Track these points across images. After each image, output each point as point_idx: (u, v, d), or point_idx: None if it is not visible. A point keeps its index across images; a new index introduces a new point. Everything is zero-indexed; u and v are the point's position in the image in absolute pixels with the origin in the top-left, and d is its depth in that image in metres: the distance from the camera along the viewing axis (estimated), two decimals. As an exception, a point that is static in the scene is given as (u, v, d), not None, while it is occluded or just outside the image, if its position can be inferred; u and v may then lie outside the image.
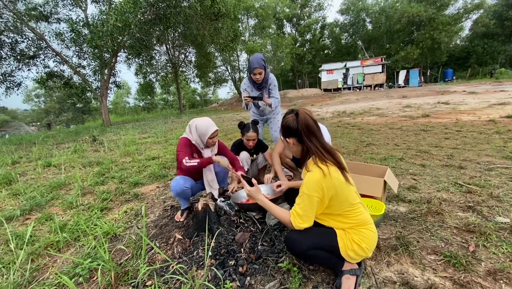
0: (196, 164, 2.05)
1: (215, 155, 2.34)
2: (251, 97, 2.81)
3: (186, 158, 2.04)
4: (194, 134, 2.15)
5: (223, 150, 2.44)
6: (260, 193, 1.47)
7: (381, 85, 25.36)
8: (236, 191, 2.37)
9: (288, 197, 2.16)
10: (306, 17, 34.19)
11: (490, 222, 1.84)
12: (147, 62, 17.56)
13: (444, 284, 1.33)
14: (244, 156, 2.69)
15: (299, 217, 1.28)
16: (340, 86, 27.03)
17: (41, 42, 11.84)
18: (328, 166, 1.26)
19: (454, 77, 26.86)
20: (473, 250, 1.57)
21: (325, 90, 27.27)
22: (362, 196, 1.71)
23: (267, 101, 2.81)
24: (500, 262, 1.45)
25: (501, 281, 1.33)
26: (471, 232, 1.75)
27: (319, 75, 29.29)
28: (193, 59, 21.32)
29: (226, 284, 1.36)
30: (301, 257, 1.44)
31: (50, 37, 12.05)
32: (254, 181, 1.49)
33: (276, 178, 2.47)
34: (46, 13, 11.69)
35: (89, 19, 12.26)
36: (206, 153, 2.25)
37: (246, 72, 2.89)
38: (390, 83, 26.71)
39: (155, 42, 15.31)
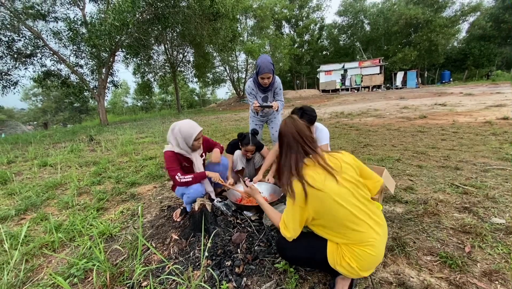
0: (190, 179, 2.01)
1: (201, 154, 2.29)
2: (261, 106, 2.79)
3: (179, 174, 1.98)
4: (179, 138, 2.01)
5: (207, 144, 2.39)
6: (257, 193, 1.46)
7: (379, 87, 25.49)
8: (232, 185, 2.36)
9: None
10: (304, 18, 34.26)
11: (486, 223, 1.85)
12: (145, 61, 17.50)
13: (440, 285, 1.33)
14: (238, 154, 2.70)
15: (284, 224, 1.22)
16: (338, 87, 27.13)
17: (38, 41, 11.74)
18: (315, 175, 1.16)
19: (451, 79, 27.07)
20: (469, 251, 1.57)
21: (323, 91, 27.36)
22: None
23: (275, 107, 2.78)
24: (496, 262, 1.46)
25: (497, 282, 1.33)
26: (467, 233, 1.76)
27: (317, 76, 29.39)
28: (191, 59, 21.30)
29: (222, 284, 1.35)
30: (290, 262, 1.45)
31: (47, 36, 11.97)
32: (248, 183, 1.48)
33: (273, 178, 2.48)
34: (43, 11, 11.60)
35: (87, 18, 12.20)
36: (194, 156, 2.18)
37: (254, 74, 2.85)
38: (387, 85, 26.84)
39: (153, 41, 15.26)
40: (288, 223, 1.20)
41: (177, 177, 1.98)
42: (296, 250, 1.28)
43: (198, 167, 2.20)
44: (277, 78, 2.85)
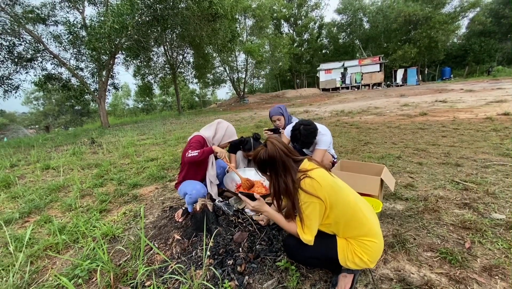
0: (196, 154, 2.01)
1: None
2: (269, 130, 2.87)
3: (189, 150, 2.02)
4: (221, 131, 2.29)
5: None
6: (264, 205, 1.41)
7: (379, 84, 25.41)
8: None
9: None
10: (303, 17, 34.22)
11: (486, 218, 1.86)
12: (145, 63, 17.56)
13: (440, 280, 1.34)
14: (240, 154, 2.73)
15: (301, 229, 1.24)
16: (338, 85, 27.05)
17: (38, 44, 11.79)
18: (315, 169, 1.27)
19: (451, 76, 26.91)
20: (469, 246, 1.58)
21: (324, 89, 27.33)
22: (360, 194, 1.72)
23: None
24: (496, 258, 1.47)
25: (497, 277, 1.34)
26: (467, 228, 1.77)
27: (317, 74, 29.34)
28: (191, 60, 21.32)
29: (224, 283, 1.37)
30: (299, 263, 1.47)
31: (47, 39, 12.02)
32: (256, 195, 1.44)
33: None
34: (43, 15, 11.66)
35: (86, 21, 12.25)
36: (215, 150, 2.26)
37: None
38: (388, 82, 26.75)
39: (152, 43, 15.30)
40: (310, 222, 1.22)
41: (186, 153, 2.00)
42: (308, 249, 1.27)
43: (212, 161, 2.31)
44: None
